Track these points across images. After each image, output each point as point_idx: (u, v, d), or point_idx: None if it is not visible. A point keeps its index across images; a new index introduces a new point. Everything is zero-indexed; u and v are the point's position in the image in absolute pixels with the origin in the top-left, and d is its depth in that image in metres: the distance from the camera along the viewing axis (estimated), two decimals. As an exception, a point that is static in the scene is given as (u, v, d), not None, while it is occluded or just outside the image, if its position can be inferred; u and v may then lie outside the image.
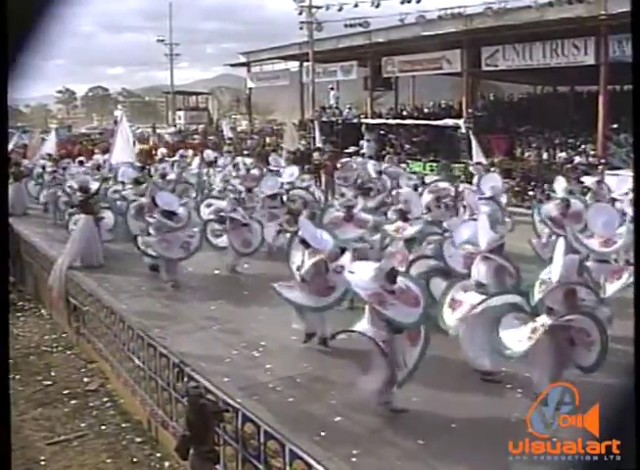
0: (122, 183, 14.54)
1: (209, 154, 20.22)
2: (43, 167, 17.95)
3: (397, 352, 5.66)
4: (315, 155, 22.05)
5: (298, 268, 7.37)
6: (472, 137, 19.86)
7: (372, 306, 5.69)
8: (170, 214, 10.03)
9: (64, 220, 13.66)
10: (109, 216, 12.33)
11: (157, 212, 10.15)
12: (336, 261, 7.31)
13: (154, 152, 26.35)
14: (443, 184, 12.42)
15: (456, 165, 21.39)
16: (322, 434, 5.44)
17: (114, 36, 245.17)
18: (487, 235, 7.13)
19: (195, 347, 7.55)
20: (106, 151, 22.41)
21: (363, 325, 5.77)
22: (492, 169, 17.57)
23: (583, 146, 21.98)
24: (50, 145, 22.13)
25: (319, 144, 25.38)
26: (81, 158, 20.53)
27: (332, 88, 33.32)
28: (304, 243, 7.41)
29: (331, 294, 7.18)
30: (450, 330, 6.59)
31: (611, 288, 7.35)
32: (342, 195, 10.70)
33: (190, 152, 22.75)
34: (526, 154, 23.23)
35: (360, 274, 5.99)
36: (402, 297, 5.73)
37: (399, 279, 5.87)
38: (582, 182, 13.46)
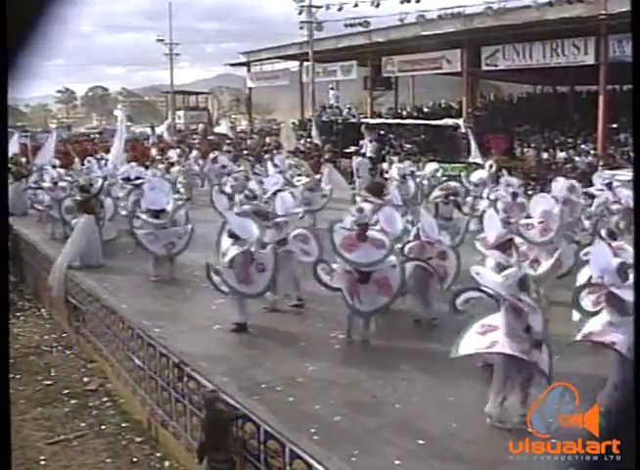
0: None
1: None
2: (54, 166, 17.84)
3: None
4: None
5: (224, 255, 8.00)
6: (470, 137, 19.85)
7: (510, 317, 5.26)
8: (156, 213, 10.59)
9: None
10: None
11: (142, 212, 10.81)
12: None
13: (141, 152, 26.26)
14: (453, 183, 13.85)
15: (456, 165, 21.38)
16: (322, 434, 5.44)
17: (114, 36, 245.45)
18: (496, 230, 7.27)
19: (195, 347, 7.55)
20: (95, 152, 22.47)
21: (495, 339, 5.31)
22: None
23: (583, 146, 21.99)
24: (50, 149, 21.49)
25: (317, 142, 25.34)
26: (97, 155, 20.60)
27: (332, 88, 33.32)
28: (233, 236, 7.95)
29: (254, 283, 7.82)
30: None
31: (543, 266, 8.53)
32: (361, 210, 9.22)
33: (194, 153, 22.61)
34: (526, 153, 23.25)
35: (488, 278, 5.62)
36: (529, 305, 5.37)
37: None
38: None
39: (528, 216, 9.50)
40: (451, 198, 11.67)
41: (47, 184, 14.69)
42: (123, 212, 13.00)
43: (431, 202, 11.94)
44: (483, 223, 8.35)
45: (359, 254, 7.36)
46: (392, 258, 7.48)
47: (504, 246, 7.02)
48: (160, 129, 36.66)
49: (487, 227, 7.87)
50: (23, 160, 20.43)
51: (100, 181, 13.17)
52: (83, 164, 18.46)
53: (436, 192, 12.34)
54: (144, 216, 10.75)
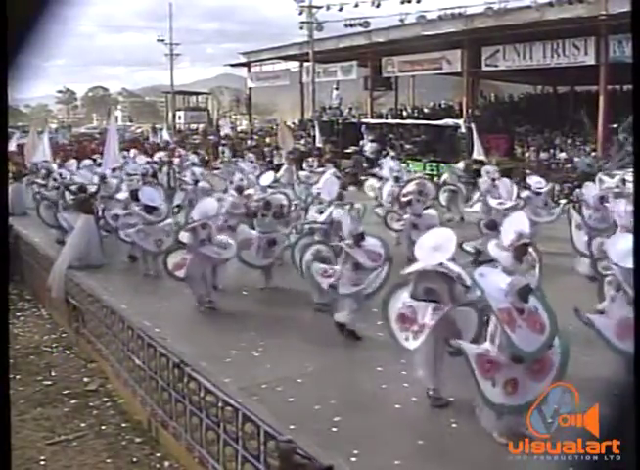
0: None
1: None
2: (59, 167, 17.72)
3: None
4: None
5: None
6: (474, 134, 19.84)
7: (499, 324, 5.01)
8: (151, 209, 10.76)
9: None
10: None
11: (137, 206, 10.95)
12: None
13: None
14: (428, 181, 13.91)
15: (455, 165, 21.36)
16: (322, 434, 5.44)
17: (115, 36, 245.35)
18: (512, 233, 7.22)
19: (195, 347, 7.55)
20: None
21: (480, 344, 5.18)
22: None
23: (583, 146, 21.99)
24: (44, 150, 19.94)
25: (319, 145, 25.36)
26: (95, 155, 20.62)
27: (336, 88, 33.32)
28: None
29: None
30: None
31: None
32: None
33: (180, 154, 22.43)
34: (526, 154, 23.25)
35: (492, 281, 5.26)
36: (529, 319, 5.05)
37: (531, 299, 5.16)
38: None
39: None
40: (422, 196, 11.84)
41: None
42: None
43: (402, 198, 11.98)
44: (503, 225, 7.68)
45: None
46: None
47: (518, 250, 6.78)
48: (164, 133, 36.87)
49: (504, 230, 7.30)
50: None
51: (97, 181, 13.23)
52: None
53: (409, 187, 12.24)
54: (138, 210, 10.87)
